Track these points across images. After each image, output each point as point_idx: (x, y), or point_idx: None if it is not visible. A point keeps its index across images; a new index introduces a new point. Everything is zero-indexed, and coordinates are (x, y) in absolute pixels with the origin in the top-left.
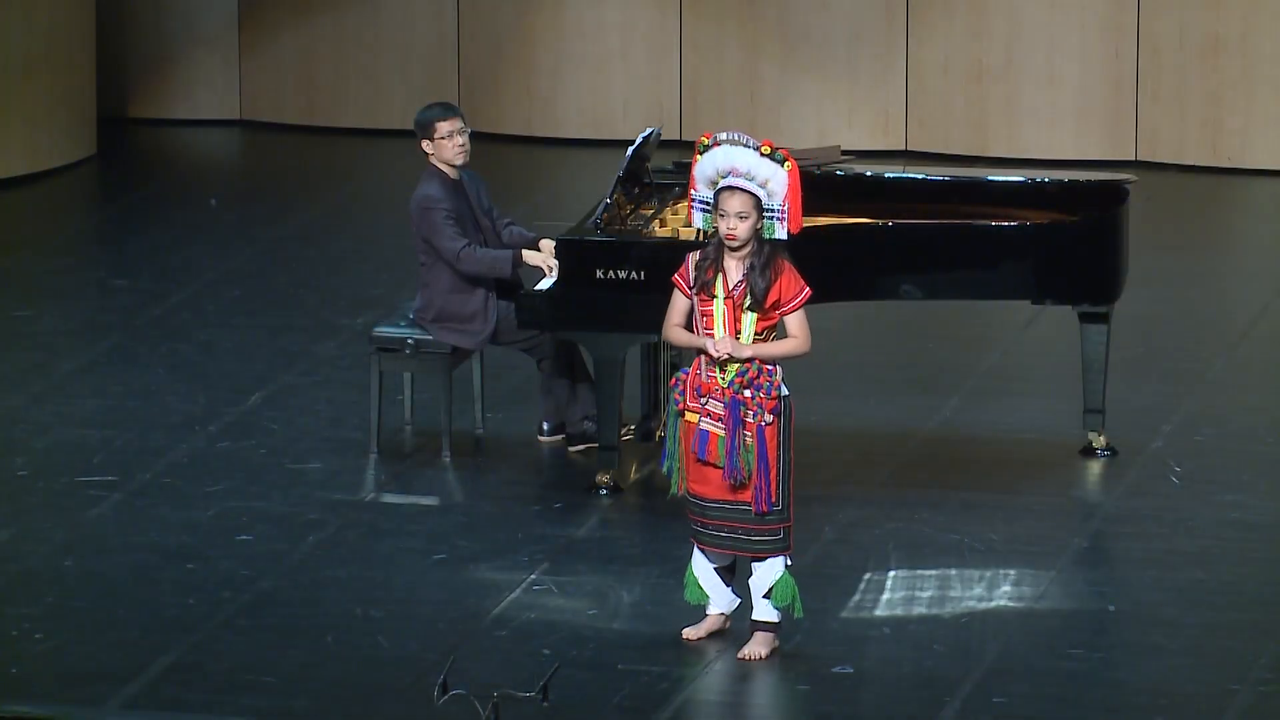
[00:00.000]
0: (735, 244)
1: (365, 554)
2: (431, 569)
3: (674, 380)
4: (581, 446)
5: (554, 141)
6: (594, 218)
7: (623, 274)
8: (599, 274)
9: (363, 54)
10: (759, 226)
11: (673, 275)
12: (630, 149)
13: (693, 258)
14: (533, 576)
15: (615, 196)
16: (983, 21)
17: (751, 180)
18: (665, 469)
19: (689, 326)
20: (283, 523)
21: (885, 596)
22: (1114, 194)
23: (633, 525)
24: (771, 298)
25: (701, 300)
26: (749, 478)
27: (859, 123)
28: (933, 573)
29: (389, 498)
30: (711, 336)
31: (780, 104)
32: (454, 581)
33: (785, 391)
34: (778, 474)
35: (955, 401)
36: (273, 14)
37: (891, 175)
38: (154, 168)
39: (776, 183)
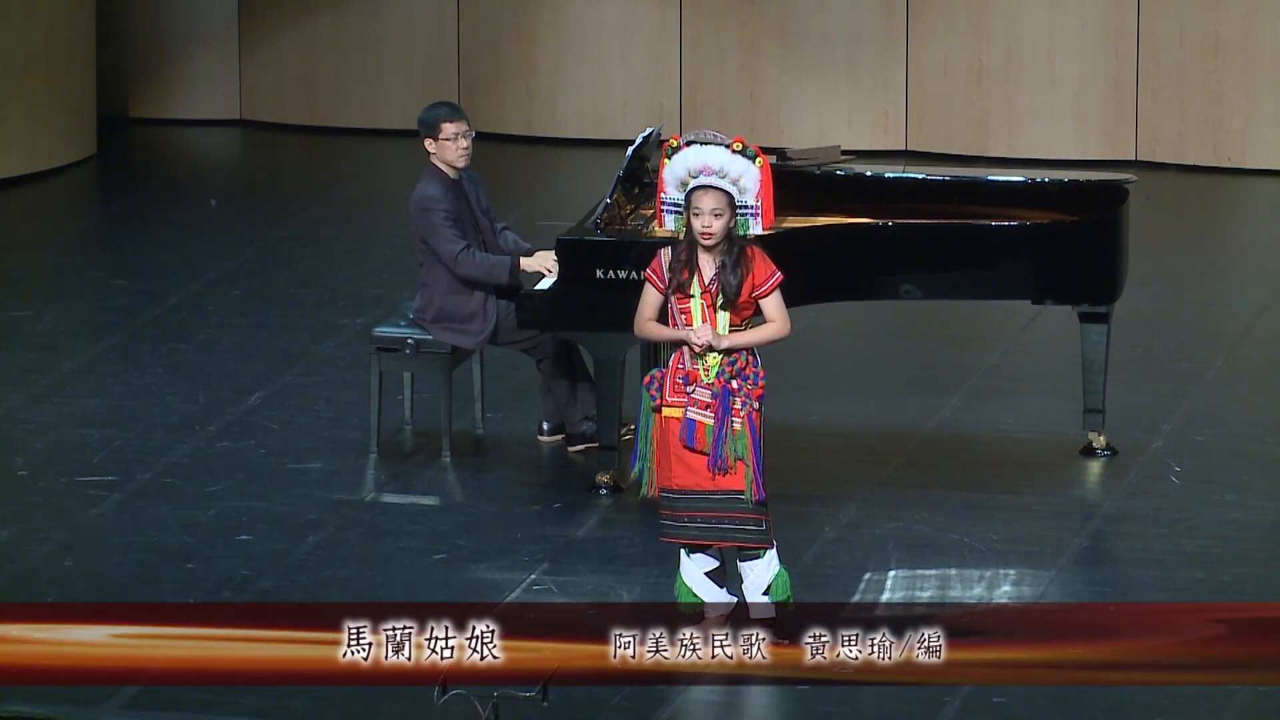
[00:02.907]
0: (711, 242)
1: (365, 554)
2: (431, 569)
3: (647, 379)
4: (581, 446)
5: (554, 141)
6: (594, 218)
7: (623, 274)
8: (599, 274)
9: (363, 54)
10: (732, 224)
11: (645, 271)
12: (630, 149)
13: (665, 255)
14: (533, 576)
15: (615, 196)
16: (983, 21)
17: (724, 178)
18: (635, 470)
19: (662, 321)
20: (283, 523)
21: (885, 596)
22: (1114, 194)
23: (633, 525)
24: (745, 291)
25: (678, 299)
26: (733, 465)
27: (859, 123)
28: (933, 573)
29: (389, 498)
30: (691, 327)
31: (780, 104)
32: (454, 581)
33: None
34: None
35: (955, 401)
36: (273, 14)
37: (891, 175)
38: (154, 168)
39: (749, 179)
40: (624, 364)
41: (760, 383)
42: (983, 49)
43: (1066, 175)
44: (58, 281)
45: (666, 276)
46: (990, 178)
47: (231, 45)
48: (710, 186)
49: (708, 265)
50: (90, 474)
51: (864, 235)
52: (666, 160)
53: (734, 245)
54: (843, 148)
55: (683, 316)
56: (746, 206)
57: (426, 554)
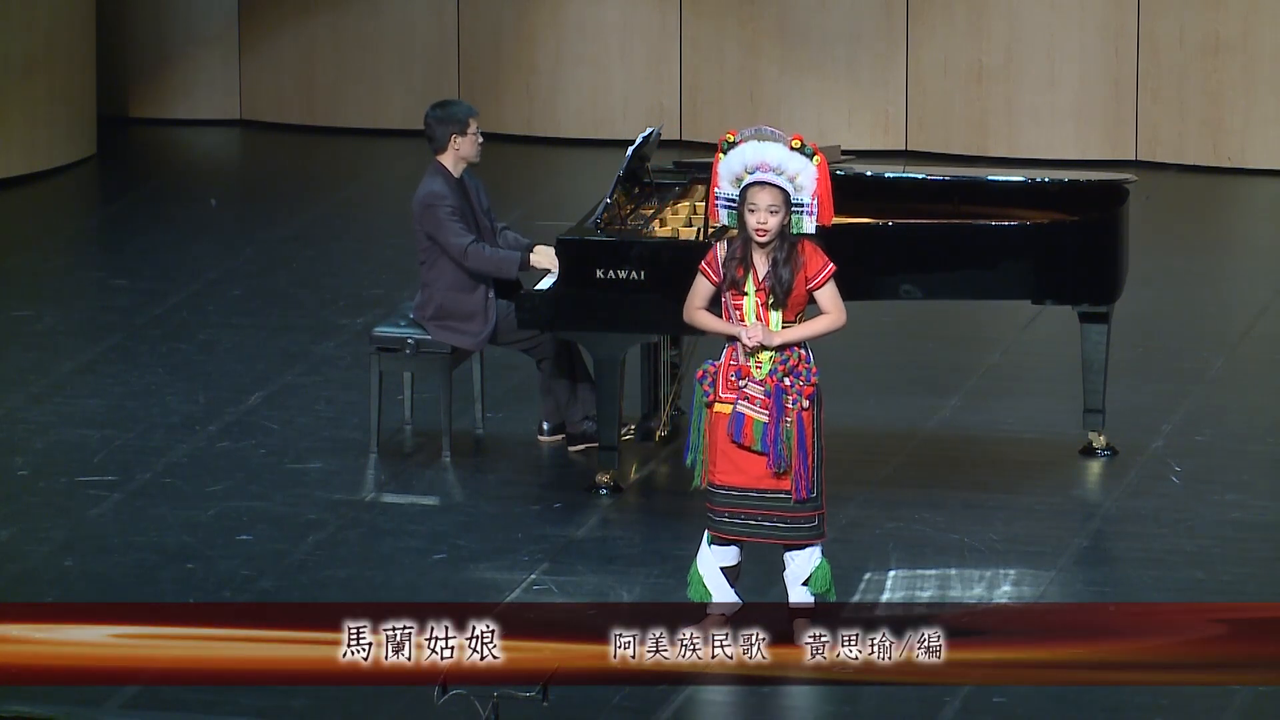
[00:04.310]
0: (765, 240)
1: (365, 554)
2: (431, 569)
3: (701, 373)
4: (581, 446)
5: (554, 141)
6: (594, 218)
7: (623, 274)
8: (599, 274)
9: (363, 54)
10: (786, 221)
11: (700, 263)
12: (630, 149)
13: (720, 249)
14: (533, 576)
15: (615, 196)
16: (983, 21)
17: (781, 175)
18: (689, 461)
19: (712, 313)
20: (283, 523)
21: (885, 596)
22: (1114, 194)
23: (633, 525)
24: (798, 286)
25: (733, 295)
26: (790, 465)
27: (859, 123)
28: (933, 573)
29: (389, 498)
30: (744, 324)
31: (780, 104)
32: (454, 581)
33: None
34: (814, 460)
35: (955, 401)
36: (273, 14)
37: (891, 175)
38: (154, 168)
39: (805, 177)
40: (624, 364)
41: (813, 379)
42: (983, 49)
43: (1066, 175)
44: (58, 281)
45: (722, 271)
46: (990, 178)
47: (231, 45)
48: (767, 183)
49: (761, 262)
50: (90, 474)
51: (864, 235)
52: (721, 155)
53: (785, 241)
54: (843, 148)
55: (736, 313)
56: (801, 205)
57: (426, 554)
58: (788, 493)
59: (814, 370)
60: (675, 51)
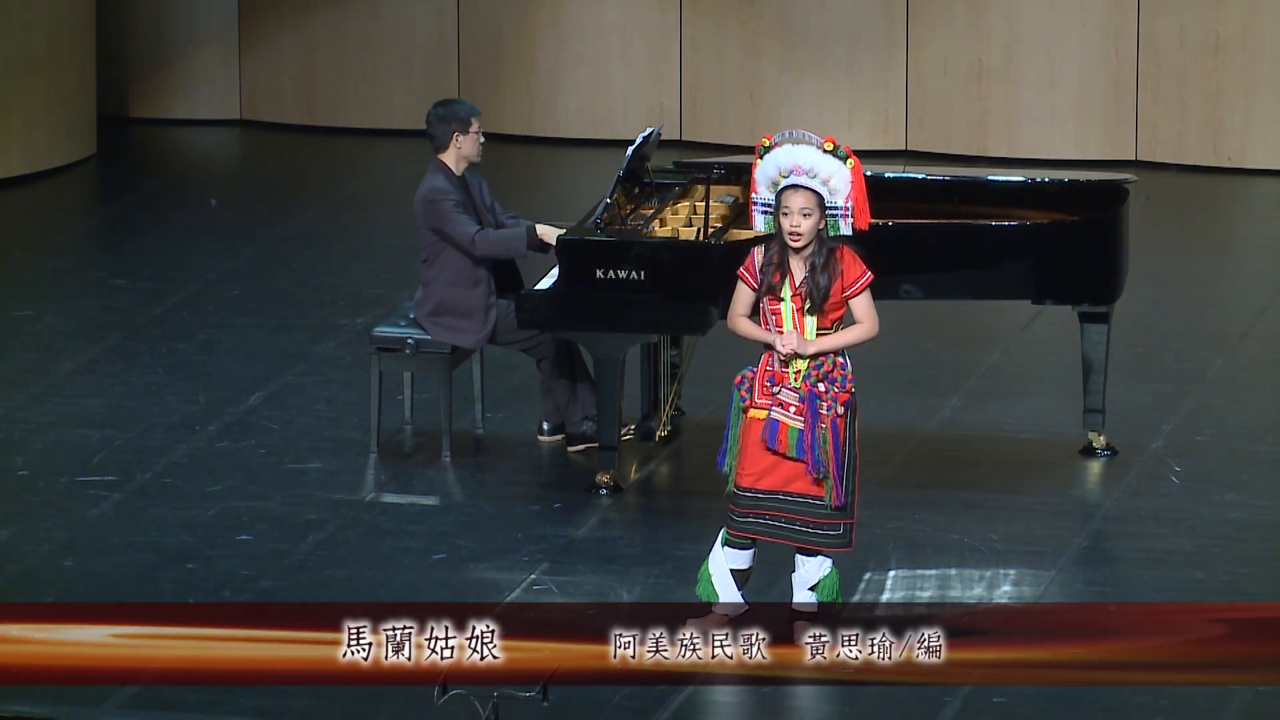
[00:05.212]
0: (800, 244)
1: (365, 554)
2: (431, 569)
3: (739, 379)
4: (581, 446)
5: (554, 141)
6: (594, 218)
7: (623, 274)
8: (599, 274)
9: (363, 54)
10: (822, 225)
11: (738, 269)
12: (630, 149)
13: (758, 254)
14: (533, 576)
15: (615, 196)
16: (983, 21)
17: (814, 178)
18: (725, 468)
19: (752, 318)
20: (283, 523)
21: (885, 596)
22: (1114, 194)
23: (633, 525)
24: (835, 293)
25: (770, 300)
26: (828, 471)
27: (859, 123)
28: (933, 573)
29: (389, 498)
30: (779, 332)
31: (780, 104)
32: (454, 581)
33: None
34: (847, 468)
35: (955, 401)
36: (273, 14)
37: (891, 175)
38: (154, 168)
39: (839, 180)
40: (624, 364)
41: (848, 385)
42: (983, 49)
43: (1066, 175)
44: (58, 281)
45: (759, 276)
46: (990, 178)
47: (231, 45)
48: (800, 186)
49: (799, 267)
50: (90, 474)
51: (864, 235)
52: (759, 160)
53: (824, 246)
54: None
55: (773, 318)
56: (836, 208)
57: (426, 554)
58: (818, 498)
59: (850, 378)
60: (675, 51)
